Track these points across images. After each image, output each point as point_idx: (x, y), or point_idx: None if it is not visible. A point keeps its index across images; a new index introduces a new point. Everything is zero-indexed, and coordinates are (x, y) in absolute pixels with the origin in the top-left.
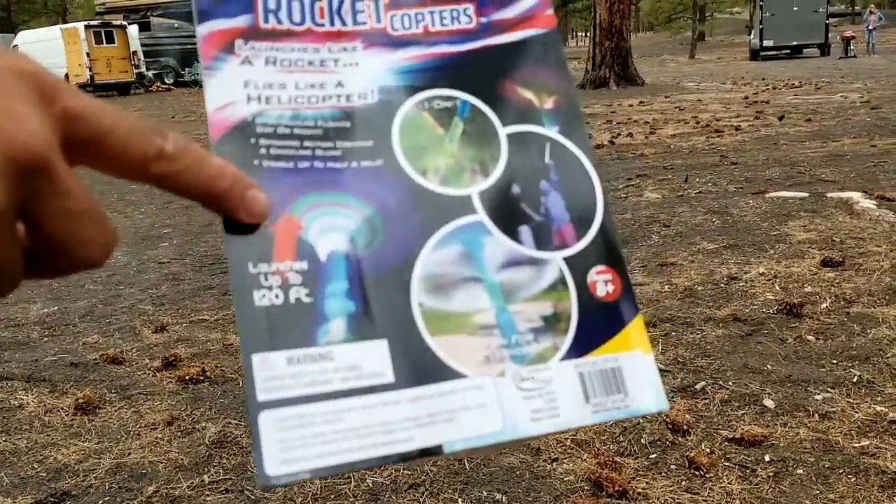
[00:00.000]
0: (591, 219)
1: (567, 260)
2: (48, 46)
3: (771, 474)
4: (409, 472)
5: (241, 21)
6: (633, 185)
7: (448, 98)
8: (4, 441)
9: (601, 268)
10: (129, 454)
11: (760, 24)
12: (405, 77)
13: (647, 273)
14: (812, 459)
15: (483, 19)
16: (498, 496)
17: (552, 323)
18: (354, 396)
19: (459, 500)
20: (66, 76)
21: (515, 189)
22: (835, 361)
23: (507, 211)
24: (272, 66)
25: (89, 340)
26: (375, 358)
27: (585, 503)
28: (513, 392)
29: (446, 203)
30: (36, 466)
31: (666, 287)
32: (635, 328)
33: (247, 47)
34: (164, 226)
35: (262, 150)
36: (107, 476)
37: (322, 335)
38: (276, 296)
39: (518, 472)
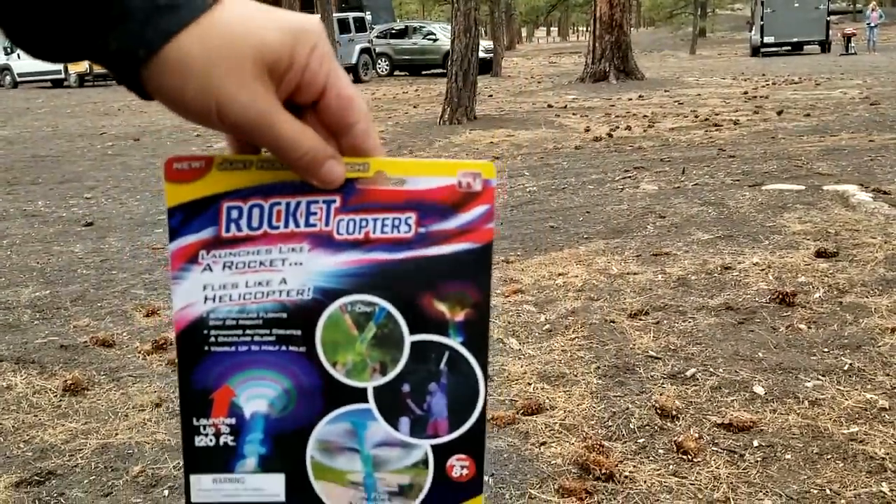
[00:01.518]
0: (468, 417)
1: (434, 447)
2: None
3: (759, 459)
4: None
5: (206, 234)
6: (629, 176)
7: (369, 304)
8: None
9: (461, 455)
10: (117, 435)
11: (761, 20)
12: (338, 280)
13: (640, 262)
14: (801, 445)
15: (422, 229)
16: (484, 478)
17: (406, 491)
18: None
19: None
20: (66, 66)
21: (405, 387)
22: (826, 350)
23: (393, 404)
24: (228, 270)
25: (80, 324)
26: (275, 485)
27: (572, 485)
28: None
29: (346, 391)
30: (22, 446)
31: (659, 276)
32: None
33: (209, 256)
34: (158, 212)
35: (212, 339)
36: (93, 456)
37: (239, 467)
38: (210, 440)
39: (505, 455)
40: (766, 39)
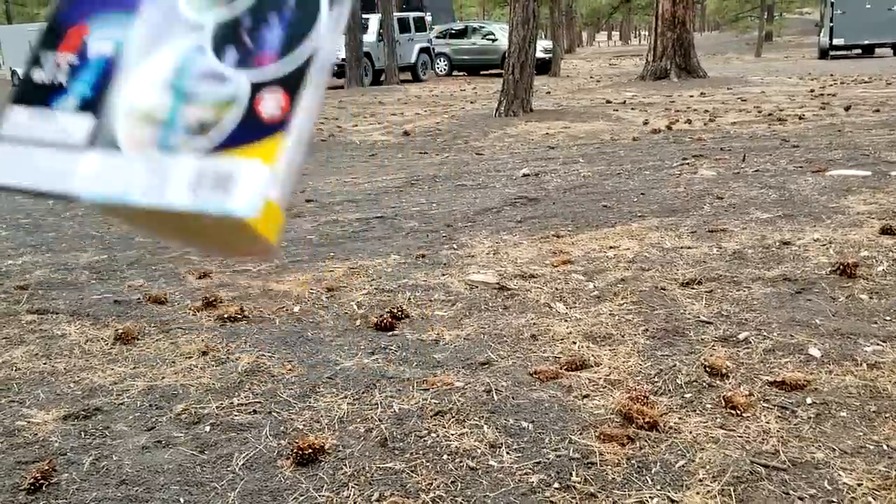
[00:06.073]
0: (296, 53)
1: (253, 82)
2: None
3: (812, 415)
4: (437, 401)
5: None
6: (687, 163)
7: None
8: (44, 364)
9: (276, 89)
10: (163, 378)
11: (831, 21)
12: None
13: (695, 238)
14: (857, 403)
15: None
16: (525, 424)
17: (206, 127)
18: (54, 148)
19: (485, 426)
20: None
21: (246, 22)
22: (888, 318)
23: (228, 37)
24: None
25: (135, 283)
26: (81, 127)
27: (613, 432)
28: (141, 170)
29: (183, 24)
30: (72, 386)
31: (714, 250)
32: (271, 143)
33: None
34: None
35: None
36: (139, 396)
37: (57, 104)
38: (47, 75)
39: (547, 405)
40: (836, 41)
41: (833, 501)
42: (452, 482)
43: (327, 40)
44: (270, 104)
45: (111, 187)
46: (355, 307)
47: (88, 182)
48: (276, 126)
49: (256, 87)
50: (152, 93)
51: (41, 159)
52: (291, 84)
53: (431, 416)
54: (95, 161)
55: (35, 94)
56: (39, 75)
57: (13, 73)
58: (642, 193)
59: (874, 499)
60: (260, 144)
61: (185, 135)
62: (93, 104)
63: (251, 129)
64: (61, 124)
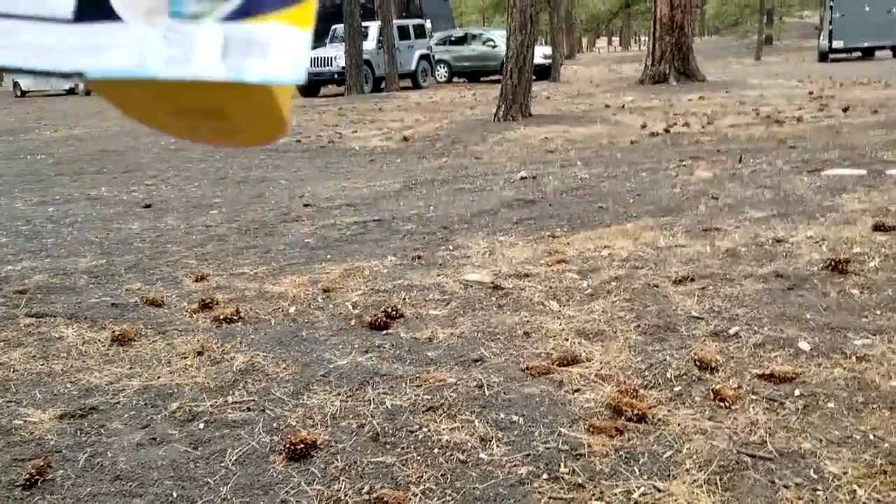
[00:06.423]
0: None
1: None
2: None
3: (800, 407)
4: (429, 397)
5: None
6: (684, 165)
7: None
8: (41, 365)
9: None
10: (159, 378)
11: (830, 24)
12: None
13: (689, 237)
14: (845, 395)
15: None
16: (515, 418)
17: None
18: (34, 21)
19: (476, 421)
20: None
21: None
22: (878, 312)
23: None
24: None
25: (132, 287)
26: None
27: (602, 424)
28: (157, 40)
29: None
30: (69, 386)
31: (707, 248)
32: (304, 7)
33: None
34: (214, 197)
35: None
36: (134, 395)
37: None
38: None
39: (538, 399)
40: (835, 44)
41: (818, 489)
42: (442, 475)
43: None
44: None
45: (121, 61)
46: (350, 307)
47: (91, 57)
48: None
49: None
50: None
51: (26, 34)
52: None
53: (423, 412)
54: (94, 33)
55: None
56: None
57: (15, 84)
58: (638, 195)
59: (859, 486)
60: (294, 9)
61: (198, 0)
62: None
63: None
64: None
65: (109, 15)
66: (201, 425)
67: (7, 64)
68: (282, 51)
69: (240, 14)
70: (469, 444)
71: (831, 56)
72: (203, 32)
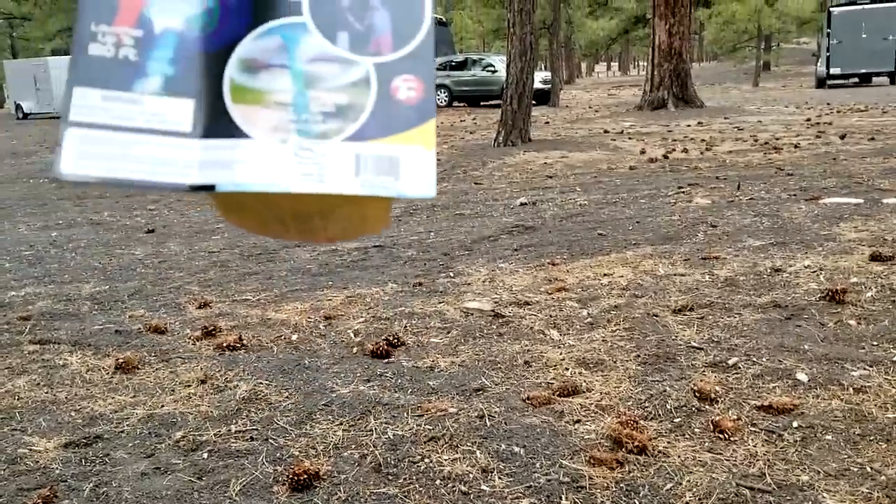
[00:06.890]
0: (412, 37)
1: (377, 65)
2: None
3: (798, 439)
4: (430, 427)
5: None
6: (683, 192)
7: None
8: (46, 393)
9: (408, 76)
10: (162, 407)
11: (828, 51)
12: None
13: (688, 266)
14: (842, 427)
15: None
16: (516, 449)
17: (344, 111)
18: (152, 135)
19: (478, 451)
20: None
21: (345, 2)
22: (875, 343)
23: (331, 18)
24: None
25: (136, 314)
26: (180, 112)
27: (603, 456)
28: (289, 156)
29: (279, 4)
30: (73, 414)
31: (707, 277)
32: (425, 129)
33: None
34: (217, 222)
35: None
36: (138, 424)
37: (138, 86)
38: (108, 51)
39: (539, 430)
40: (833, 71)
41: None
42: None
43: (431, 28)
44: (405, 90)
45: (253, 176)
46: (352, 335)
47: (221, 171)
48: (424, 110)
49: (382, 72)
50: (262, 74)
51: (140, 147)
52: (420, 69)
53: (425, 442)
54: (222, 147)
55: (104, 75)
56: (99, 50)
57: (17, 106)
58: (637, 222)
59: None
60: (416, 130)
61: (325, 119)
62: (181, 85)
63: (399, 116)
64: (151, 108)
65: (235, 132)
66: (205, 455)
67: (115, 177)
68: (411, 169)
69: (367, 135)
70: (471, 476)
71: (829, 82)
72: (333, 150)
